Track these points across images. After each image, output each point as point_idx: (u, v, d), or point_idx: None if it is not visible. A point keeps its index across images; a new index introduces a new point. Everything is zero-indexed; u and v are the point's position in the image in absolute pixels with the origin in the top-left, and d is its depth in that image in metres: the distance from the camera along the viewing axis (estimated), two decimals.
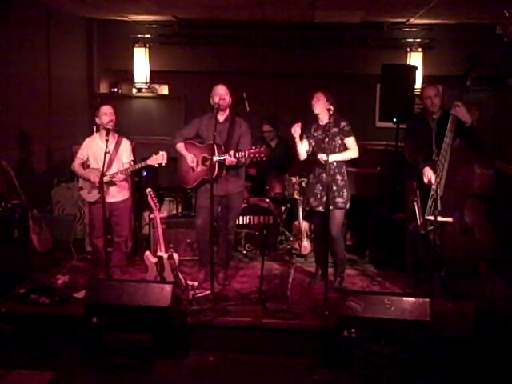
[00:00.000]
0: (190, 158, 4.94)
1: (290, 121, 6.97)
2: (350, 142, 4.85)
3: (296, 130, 4.82)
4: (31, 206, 5.56)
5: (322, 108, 4.79)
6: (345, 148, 4.86)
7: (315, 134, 4.92)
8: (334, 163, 4.81)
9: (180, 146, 5.03)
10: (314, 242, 5.30)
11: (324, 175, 4.77)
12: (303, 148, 4.94)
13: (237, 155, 4.68)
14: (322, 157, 4.73)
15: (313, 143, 4.92)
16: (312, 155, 4.98)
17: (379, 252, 5.80)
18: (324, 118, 4.81)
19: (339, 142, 4.84)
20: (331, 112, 4.63)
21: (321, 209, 4.87)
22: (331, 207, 4.78)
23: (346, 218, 5.23)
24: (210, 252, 4.73)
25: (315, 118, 4.90)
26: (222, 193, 4.90)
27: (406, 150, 4.98)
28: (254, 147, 4.68)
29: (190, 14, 7.28)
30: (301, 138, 4.89)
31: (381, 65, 6.53)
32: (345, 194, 4.86)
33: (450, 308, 4.29)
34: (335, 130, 4.82)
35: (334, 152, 4.79)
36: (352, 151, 4.84)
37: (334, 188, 4.82)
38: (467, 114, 4.58)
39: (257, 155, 4.60)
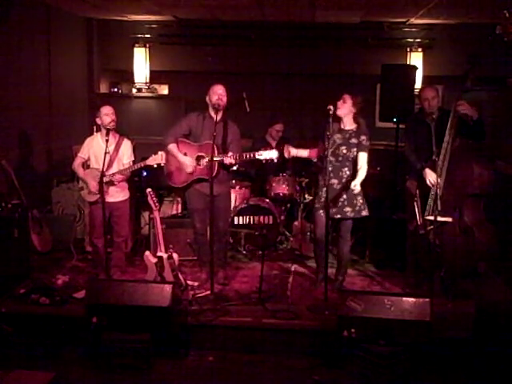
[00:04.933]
0: (189, 161, 4.90)
1: (291, 120, 7.01)
2: (363, 157, 4.66)
3: (290, 151, 4.85)
4: (31, 205, 5.56)
5: (346, 111, 4.66)
6: (355, 160, 4.71)
7: (334, 137, 4.67)
8: (347, 172, 4.72)
9: (173, 147, 4.93)
10: (314, 245, 5.14)
11: (335, 181, 4.68)
12: (303, 153, 4.93)
13: (243, 156, 4.71)
14: (356, 186, 4.55)
15: (330, 146, 4.60)
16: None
17: (379, 252, 5.80)
18: (347, 123, 4.65)
19: (353, 154, 4.70)
20: (348, 116, 4.61)
21: (321, 213, 4.76)
22: (339, 216, 4.73)
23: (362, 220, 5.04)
24: (210, 252, 4.72)
25: (337, 118, 4.69)
26: (209, 192, 4.86)
27: (407, 150, 4.98)
28: (263, 148, 4.74)
29: (189, 14, 7.28)
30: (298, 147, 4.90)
31: (381, 65, 6.53)
32: (359, 201, 4.73)
33: (449, 308, 4.29)
34: (355, 141, 4.69)
35: (348, 161, 4.71)
36: (363, 170, 4.62)
37: (345, 197, 4.70)
38: (472, 108, 4.58)
39: (266, 157, 4.62)
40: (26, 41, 6.27)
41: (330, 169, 4.57)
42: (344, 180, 4.72)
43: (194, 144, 4.96)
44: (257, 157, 4.66)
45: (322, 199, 4.74)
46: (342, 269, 5.02)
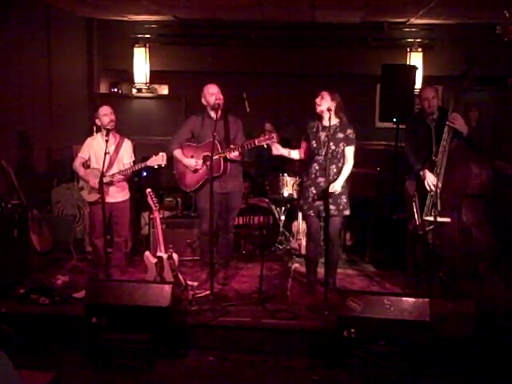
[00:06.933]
0: (195, 162, 4.93)
1: (291, 120, 7.01)
2: (350, 151, 4.66)
3: (278, 149, 4.78)
4: (31, 205, 5.56)
5: (326, 107, 4.58)
6: (343, 155, 4.68)
7: (319, 135, 4.68)
8: (335, 169, 4.64)
9: (177, 153, 5.00)
10: (310, 241, 4.96)
11: (322, 179, 4.59)
12: (295, 154, 4.89)
13: (245, 146, 4.71)
14: (336, 190, 4.56)
15: (314, 144, 4.69)
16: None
17: (379, 252, 5.80)
18: (329, 119, 4.57)
19: (341, 148, 4.66)
20: (331, 112, 4.52)
21: (311, 213, 4.73)
22: (324, 214, 4.64)
23: (345, 219, 5.05)
24: (210, 252, 4.73)
25: (318, 116, 4.71)
26: (222, 190, 4.90)
27: (407, 151, 4.97)
28: (262, 135, 4.72)
29: (190, 14, 7.29)
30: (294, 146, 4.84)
31: (381, 65, 6.52)
32: (343, 200, 4.69)
33: (449, 308, 4.29)
34: (341, 135, 4.65)
35: (336, 158, 4.64)
36: (349, 165, 4.66)
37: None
38: (464, 124, 4.57)
39: (268, 141, 4.62)
40: (26, 41, 6.27)
41: (317, 168, 4.66)
42: (331, 178, 4.62)
43: (198, 145, 4.99)
44: (257, 144, 4.66)
45: (310, 199, 4.71)
46: (332, 271, 4.87)
